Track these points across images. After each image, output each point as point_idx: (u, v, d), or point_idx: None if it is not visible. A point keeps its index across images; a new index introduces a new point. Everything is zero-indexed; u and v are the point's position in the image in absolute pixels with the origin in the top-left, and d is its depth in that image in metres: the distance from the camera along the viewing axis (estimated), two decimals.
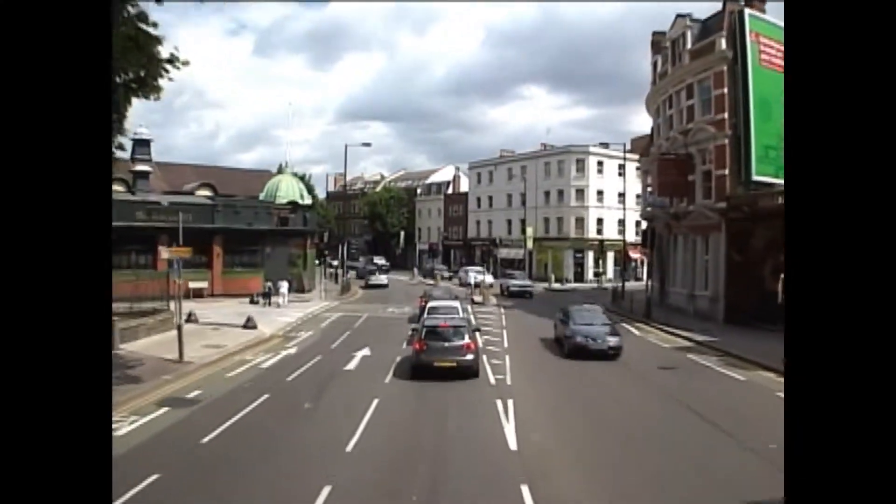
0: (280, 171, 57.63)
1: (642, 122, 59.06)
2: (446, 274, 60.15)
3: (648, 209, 39.31)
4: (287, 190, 43.65)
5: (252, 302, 36.10)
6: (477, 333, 20.70)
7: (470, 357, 16.24)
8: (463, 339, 16.49)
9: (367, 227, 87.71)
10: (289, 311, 32.55)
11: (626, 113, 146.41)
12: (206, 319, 27.97)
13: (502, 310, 34.04)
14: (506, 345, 22.31)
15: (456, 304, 23.41)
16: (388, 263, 68.49)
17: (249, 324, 26.04)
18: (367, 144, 55.05)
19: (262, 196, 43.77)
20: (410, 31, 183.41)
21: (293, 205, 43.04)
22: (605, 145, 50.69)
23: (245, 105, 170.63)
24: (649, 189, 40.15)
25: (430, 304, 23.40)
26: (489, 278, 48.99)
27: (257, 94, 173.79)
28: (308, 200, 44.65)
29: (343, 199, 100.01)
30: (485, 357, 19.09)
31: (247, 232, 39.55)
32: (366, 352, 20.92)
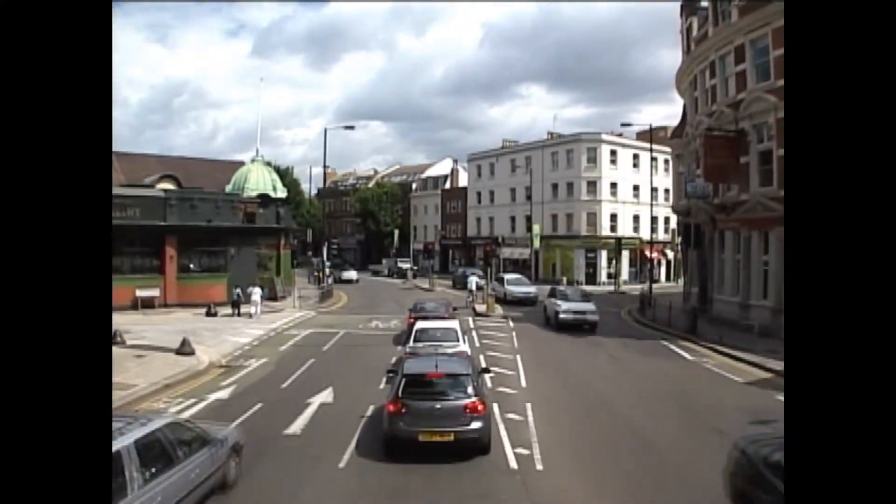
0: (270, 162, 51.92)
1: (642, 120, 53.49)
2: (482, 282, 40.55)
3: (683, 202, 33.23)
4: (257, 181, 37.43)
5: (209, 314, 30.00)
6: (487, 376, 14.54)
7: (476, 426, 10.07)
8: (465, 394, 10.32)
9: (359, 226, 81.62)
10: (246, 327, 26.36)
11: (625, 111, 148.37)
12: (139, 340, 21.89)
13: (511, 323, 27.82)
14: (523, 383, 16.11)
15: (454, 325, 17.18)
16: (416, 267, 61.81)
17: (184, 349, 19.90)
18: (350, 127, 45.84)
19: (228, 188, 37.59)
20: (409, 31, 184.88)
21: (264, 198, 36.86)
22: (628, 125, 43.99)
23: (244, 105, 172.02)
24: (681, 176, 34.13)
25: (419, 325, 17.18)
26: (532, 289, 36.99)
27: (256, 94, 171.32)
28: (282, 193, 38.37)
29: (334, 196, 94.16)
30: (496, 408, 13.02)
31: (206, 230, 33.35)
32: (327, 396, 14.83)
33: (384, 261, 68.43)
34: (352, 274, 54.80)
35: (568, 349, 21.47)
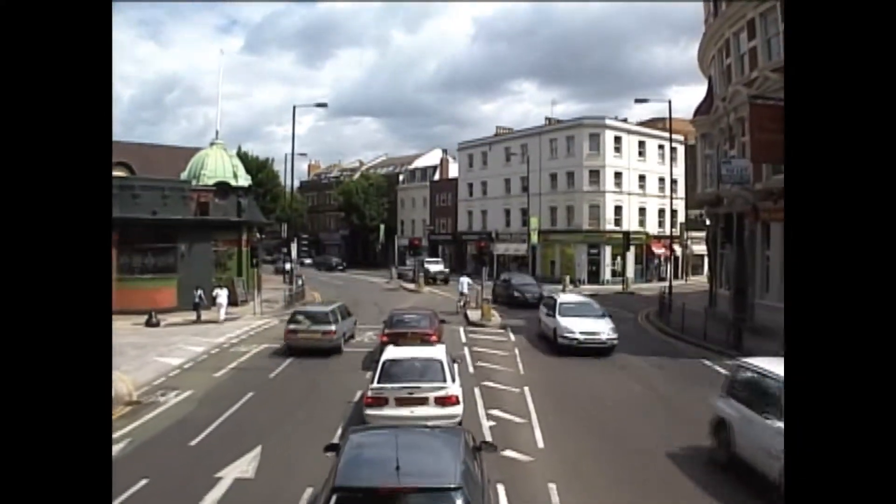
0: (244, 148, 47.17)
1: (636, 116, 48.90)
2: (567, 298, 23.99)
3: (710, 189, 28.48)
4: (215, 167, 32.21)
5: (149, 324, 25.03)
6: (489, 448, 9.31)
7: None
8: None
9: (344, 221, 76.44)
10: (186, 342, 21.38)
11: (616, 107, 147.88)
12: None
13: (512, 335, 22.85)
14: (539, 441, 11.07)
15: (438, 353, 11.85)
16: (446, 270, 49.67)
17: None
18: (323, 105, 40.25)
19: (183, 176, 32.42)
20: (402, 27, 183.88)
21: (222, 187, 31.75)
22: (644, 100, 38.20)
23: (236, 101, 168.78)
24: (707, 159, 29.36)
25: (389, 353, 12.04)
26: (606, 328, 19.82)
27: (248, 91, 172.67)
28: (244, 181, 33.14)
29: (317, 190, 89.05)
30: (502, 494, 8.20)
31: (152, 224, 28.27)
32: (248, 464, 9.99)
33: (409, 260, 52.49)
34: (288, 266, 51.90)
35: (589, 376, 16.60)
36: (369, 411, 10.57)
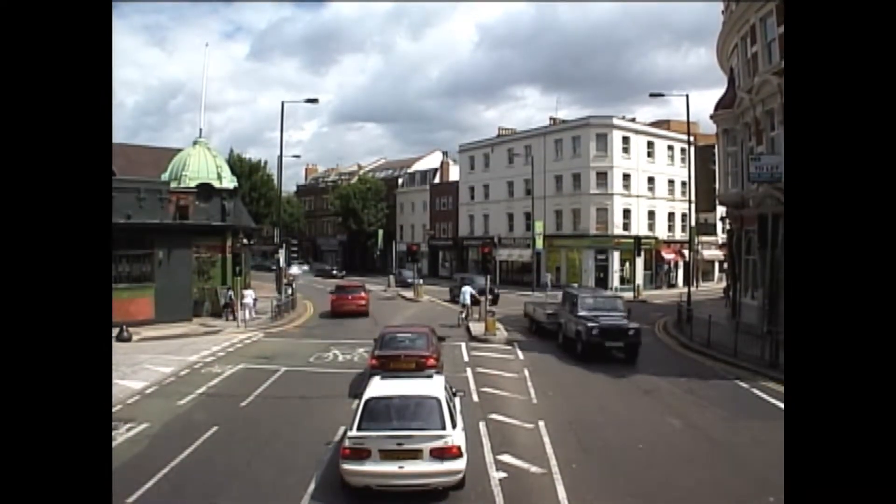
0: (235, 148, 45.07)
1: (640, 120, 46.87)
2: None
3: (735, 189, 26.22)
4: (198, 168, 29.97)
5: (120, 339, 22.74)
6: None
7: None
8: None
9: (341, 226, 74.15)
10: (153, 361, 19.07)
11: (618, 114, 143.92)
12: None
13: (520, 353, 20.46)
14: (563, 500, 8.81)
15: (435, 389, 9.18)
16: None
17: None
18: (314, 100, 37.06)
19: (164, 177, 30.18)
20: (406, 34, 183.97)
21: (206, 188, 29.48)
22: (660, 94, 34.79)
23: (240, 107, 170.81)
24: (730, 157, 27.05)
25: (374, 388, 9.56)
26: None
27: (252, 97, 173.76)
28: (230, 183, 30.82)
29: (313, 194, 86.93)
30: None
31: (125, 228, 25.94)
32: None
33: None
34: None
35: (613, 405, 14.24)
36: (346, 466, 8.29)
